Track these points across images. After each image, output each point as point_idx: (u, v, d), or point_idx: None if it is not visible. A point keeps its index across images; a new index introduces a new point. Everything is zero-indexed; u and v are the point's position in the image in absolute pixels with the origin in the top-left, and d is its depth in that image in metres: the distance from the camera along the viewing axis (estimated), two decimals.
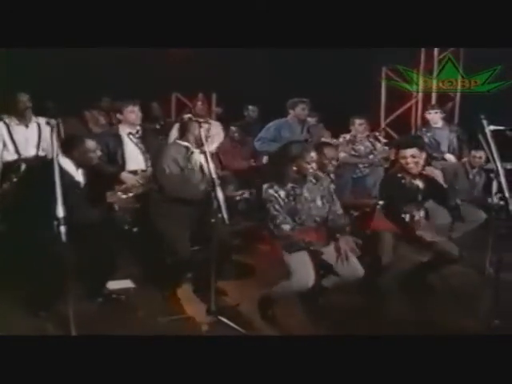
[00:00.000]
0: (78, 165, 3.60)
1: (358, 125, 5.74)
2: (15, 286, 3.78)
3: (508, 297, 3.68)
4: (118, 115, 4.46)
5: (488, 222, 4.87)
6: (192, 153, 3.85)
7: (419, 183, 4.02)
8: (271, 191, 3.45)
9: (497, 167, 3.40)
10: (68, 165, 3.59)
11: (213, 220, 3.42)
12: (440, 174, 4.28)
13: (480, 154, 5.39)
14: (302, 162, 3.48)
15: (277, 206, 3.43)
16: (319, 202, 3.58)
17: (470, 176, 5.50)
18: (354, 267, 3.54)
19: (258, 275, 4.32)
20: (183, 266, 3.93)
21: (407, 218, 3.97)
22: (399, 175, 4.03)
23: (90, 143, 3.66)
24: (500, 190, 3.36)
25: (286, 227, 3.42)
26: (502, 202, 3.35)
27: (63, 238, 2.92)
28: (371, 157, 5.72)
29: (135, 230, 4.59)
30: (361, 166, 5.72)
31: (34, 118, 4.46)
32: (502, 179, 3.35)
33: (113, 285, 3.99)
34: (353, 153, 5.72)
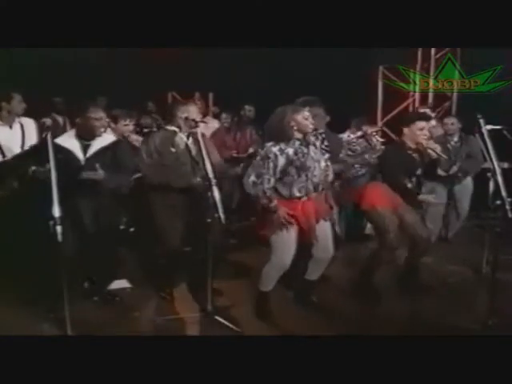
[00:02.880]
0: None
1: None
2: (12, 287, 3.78)
3: (504, 296, 3.69)
4: (112, 124, 4.58)
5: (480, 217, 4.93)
6: (177, 135, 3.83)
7: (419, 156, 4.07)
8: (274, 149, 3.47)
9: (494, 166, 3.41)
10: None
11: (209, 220, 3.42)
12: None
13: (452, 120, 5.43)
14: (298, 118, 3.52)
15: (271, 164, 3.45)
16: (323, 164, 3.62)
17: (452, 143, 5.43)
18: (326, 248, 3.66)
19: (255, 275, 4.31)
20: (178, 263, 3.92)
21: (408, 184, 4.02)
22: (403, 147, 4.09)
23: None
24: (497, 188, 3.37)
25: (269, 184, 3.45)
26: (498, 202, 3.35)
27: (59, 237, 2.92)
28: (367, 156, 5.72)
29: (131, 230, 4.60)
30: (357, 166, 5.71)
31: (16, 118, 4.42)
32: (499, 178, 3.36)
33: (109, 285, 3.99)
34: (349, 153, 5.71)
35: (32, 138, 4.35)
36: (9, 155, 4.29)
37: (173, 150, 3.79)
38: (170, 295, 3.99)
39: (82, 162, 3.70)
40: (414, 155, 4.06)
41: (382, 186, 4.09)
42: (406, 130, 4.08)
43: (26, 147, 4.24)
